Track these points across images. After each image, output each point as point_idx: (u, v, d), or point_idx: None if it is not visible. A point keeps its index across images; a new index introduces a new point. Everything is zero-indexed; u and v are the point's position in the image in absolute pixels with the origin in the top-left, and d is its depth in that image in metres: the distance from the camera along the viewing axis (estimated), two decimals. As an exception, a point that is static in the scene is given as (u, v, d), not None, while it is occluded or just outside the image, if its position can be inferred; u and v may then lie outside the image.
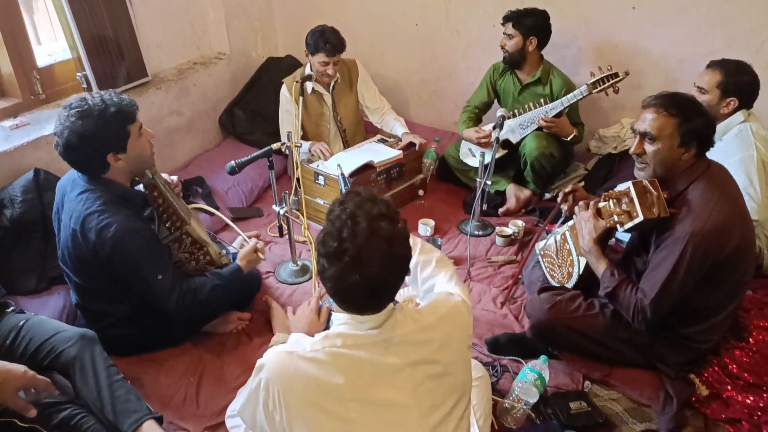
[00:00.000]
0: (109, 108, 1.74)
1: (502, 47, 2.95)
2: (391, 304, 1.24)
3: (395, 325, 1.22)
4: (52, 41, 2.92)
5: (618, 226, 1.84)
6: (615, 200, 1.87)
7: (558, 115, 2.81)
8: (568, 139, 2.87)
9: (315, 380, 1.16)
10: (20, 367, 1.50)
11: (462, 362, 1.31)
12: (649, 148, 1.78)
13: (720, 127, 2.31)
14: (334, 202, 1.21)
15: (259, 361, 1.23)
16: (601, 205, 1.93)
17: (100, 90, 1.84)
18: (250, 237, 2.20)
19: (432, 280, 1.53)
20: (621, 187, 1.91)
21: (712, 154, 2.28)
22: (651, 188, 1.76)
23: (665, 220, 1.73)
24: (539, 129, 2.87)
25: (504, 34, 2.92)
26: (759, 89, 2.29)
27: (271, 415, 1.19)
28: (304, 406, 1.16)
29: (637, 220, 1.75)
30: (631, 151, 1.83)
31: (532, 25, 2.85)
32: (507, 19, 2.90)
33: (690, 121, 1.71)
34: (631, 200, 1.77)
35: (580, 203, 1.97)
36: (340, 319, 1.24)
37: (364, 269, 1.12)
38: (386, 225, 1.14)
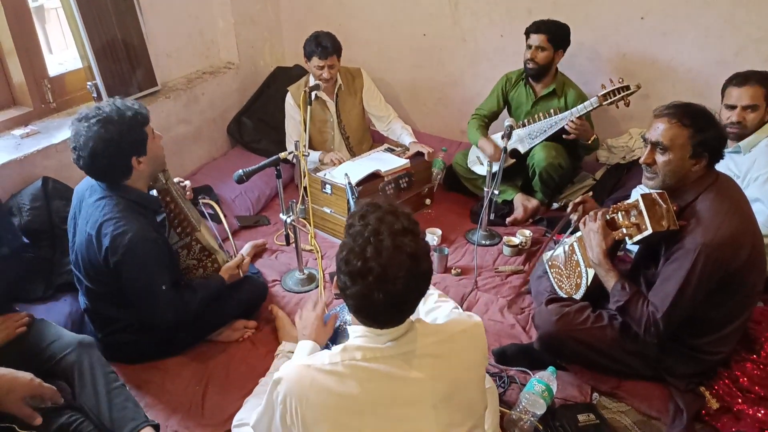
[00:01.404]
0: (125, 113, 1.78)
1: (532, 59, 2.87)
2: (411, 317, 1.23)
3: (415, 338, 1.20)
4: (63, 50, 2.96)
5: (627, 238, 1.83)
6: (624, 212, 1.85)
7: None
8: (589, 142, 2.83)
9: (333, 393, 1.15)
10: (27, 375, 1.50)
11: (479, 381, 1.30)
12: (660, 158, 1.76)
13: (750, 139, 2.29)
14: (353, 216, 1.19)
15: (276, 375, 1.21)
16: (609, 217, 1.91)
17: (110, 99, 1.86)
18: (258, 246, 2.19)
19: (436, 312, 1.53)
20: (634, 194, 1.90)
21: (739, 165, 2.29)
22: (660, 201, 1.74)
23: (674, 232, 1.72)
24: (549, 139, 2.86)
25: (533, 46, 2.85)
26: None
27: (289, 429, 1.18)
28: (323, 419, 1.15)
29: (646, 233, 1.74)
30: (642, 160, 1.82)
31: (563, 38, 2.84)
32: (540, 30, 2.82)
33: (703, 132, 1.70)
34: (640, 213, 1.76)
35: (590, 214, 1.96)
36: (357, 332, 1.22)
37: (388, 287, 1.10)
38: (410, 241, 1.13)
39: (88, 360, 1.69)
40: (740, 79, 2.29)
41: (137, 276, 1.83)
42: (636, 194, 1.88)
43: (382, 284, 1.10)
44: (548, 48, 2.84)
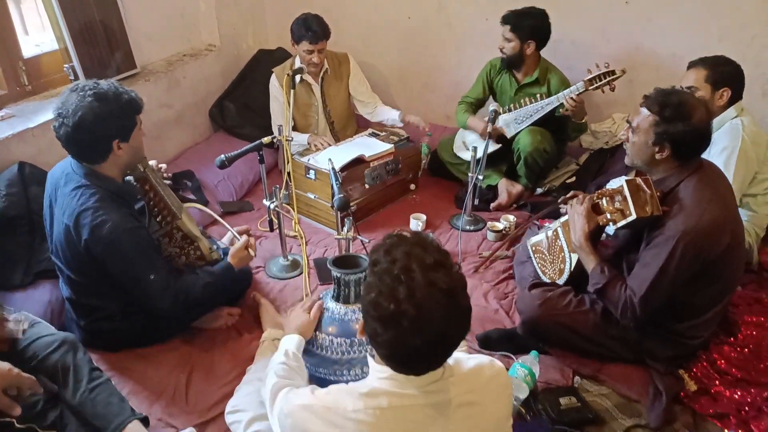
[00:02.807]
0: (122, 95, 1.76)
1: (500, 50, 2.90)
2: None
3: (449, 386, 1.13)
4: (40, 31, 2.87)
5: (611, 224, 1.84)
6: (608, 198, 1.86)
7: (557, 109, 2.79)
8: (582, 120, 2.82)
9: None
10: (4, 366, 1.47)
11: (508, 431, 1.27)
12: (630, 137, 1.83)
13: (714, 122, 2.31)
14: (377, 250, 1.09)
15: (285, 408, 1.18)
16: (594, 202, 1.92)
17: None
18: (240, 233, 2.15)
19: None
20: (614, 184, 1.91)
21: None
22: (644, 186, 1.75)
23: (658, 217, 1.73)
24: (534, 124, 2.86)
25: (502, 36, 2.87)
26: (744, 77, 2.29)
27: None
28: None
29: (630, 219, 1.75)
30: (620, 135, 1.85)
31: (530, 28, 2.80)
32: (505, 21, 2.84)
33: (667, 123, 1.70)
34: (625, 198, 1.77)
35: (578, 197, 1.97)
36: (382, 373, 1.12)
37: (426, 329, 1.01)
38: (443, 276, 1.03)
39: (72, 358, 1.65)
40: (689, 64, 2.33)
41: (123, 268, 1.81)
42: (614, 185, 1.90)
43: (419, 327, 1.01)
44: (513, 39, 2.83)
